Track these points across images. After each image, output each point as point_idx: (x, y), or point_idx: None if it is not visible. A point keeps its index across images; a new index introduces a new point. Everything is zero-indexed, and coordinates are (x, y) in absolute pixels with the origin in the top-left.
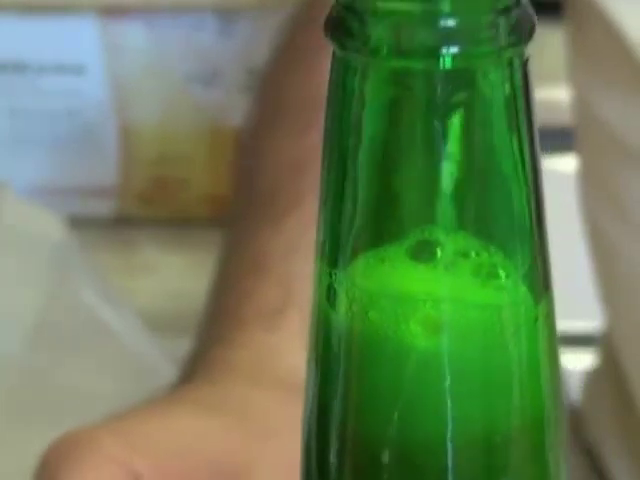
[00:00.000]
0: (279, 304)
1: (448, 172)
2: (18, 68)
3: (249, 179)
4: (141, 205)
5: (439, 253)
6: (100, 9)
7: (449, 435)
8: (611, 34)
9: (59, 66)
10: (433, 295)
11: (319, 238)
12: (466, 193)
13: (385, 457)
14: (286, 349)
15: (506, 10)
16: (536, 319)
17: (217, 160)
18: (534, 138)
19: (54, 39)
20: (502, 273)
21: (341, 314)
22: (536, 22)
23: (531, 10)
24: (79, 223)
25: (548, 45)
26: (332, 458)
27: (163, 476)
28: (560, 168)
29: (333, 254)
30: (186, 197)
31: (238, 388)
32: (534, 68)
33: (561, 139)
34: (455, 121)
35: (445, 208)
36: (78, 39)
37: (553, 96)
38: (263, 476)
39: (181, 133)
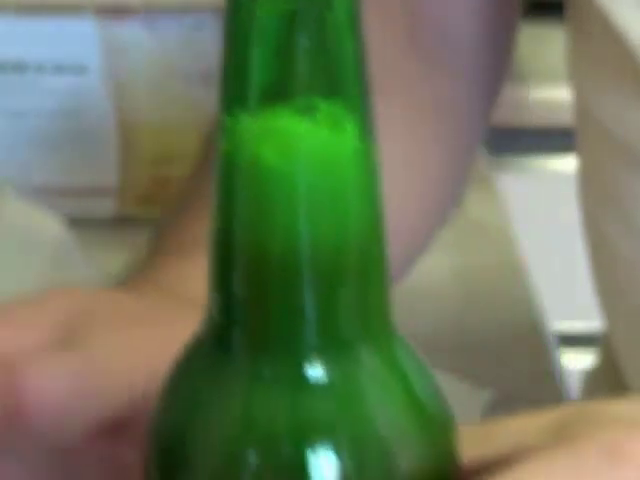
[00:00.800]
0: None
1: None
2: (18, 68)
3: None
4: (141, 205)
5: (295, 102)
6: (100, 9)
7: (299, 241)
8: (611, 36)
9: (59, 66)
10: (289, 131)
11: (224, 93)
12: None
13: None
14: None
15: None
16: (364, 155)
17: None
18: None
19: (54, 39)
20: (341, 121)
21: (231, 150)
22: None
23: None
24: (79, 223)
25: (549, 45)
26: (229, 257)
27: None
28: (560, 168)
29: (234, 107)
30: None
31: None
32: (535, 68)
33: (561, 139)
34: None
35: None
36: (78, 39)
37: (554, 96)
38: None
39: (181, 133)
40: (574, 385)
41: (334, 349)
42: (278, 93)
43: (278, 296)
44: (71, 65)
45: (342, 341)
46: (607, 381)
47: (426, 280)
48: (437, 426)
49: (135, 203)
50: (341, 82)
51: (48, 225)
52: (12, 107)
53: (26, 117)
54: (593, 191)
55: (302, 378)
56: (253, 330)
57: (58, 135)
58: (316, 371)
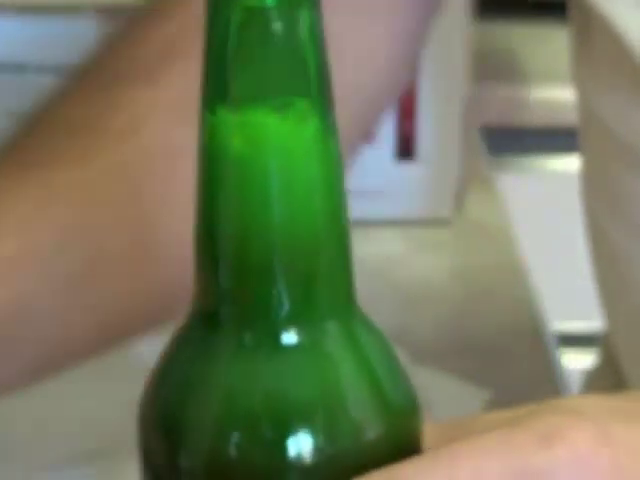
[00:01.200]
0: None
1: None
2: (18, 68)
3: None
4: None
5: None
6: (100, 10)
7: (269, 224)
8: (610, 35)
9: (59, 66)
10: (260, 124)
11: (204, 92)
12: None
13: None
14: None
15: None
16: (325, 146)
17: None
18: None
19: (54, 39)
20: (307, 116)
21: (209, 143)
22: None
23: None
24: None
25: (549, 45)
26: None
27: None
28: (560, 168)
29: (214, 104)
30: None
31: None
32: (535, 68)
33: (562, 139)
34: None
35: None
36: (78, 39)
37: (554, 96)
38: None
39: None
40: (574, 385)
41: (306, 321)
42: (254, 92)
43: (255, 274)
44: (71, 65)
45: (312, 314)
46: (607, 381)
47: (426, 280)
48: (392, 391)
49: None
50: (307, 83)
51: None
52: (12, 107)
53: (26, 117)
54: (595, 191)
55: (278, 344)
56: (236, 307)
57: None
58: (290, 338)
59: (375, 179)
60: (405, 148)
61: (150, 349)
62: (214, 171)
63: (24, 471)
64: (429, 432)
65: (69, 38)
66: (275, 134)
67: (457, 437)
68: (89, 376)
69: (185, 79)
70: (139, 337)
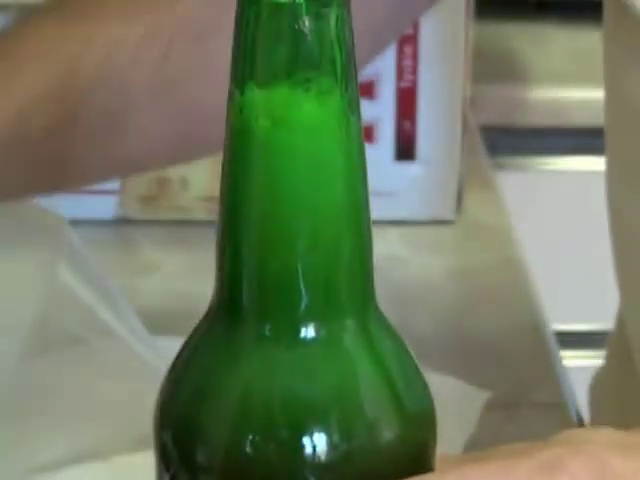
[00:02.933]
0: None
1: None
2: None
3: None
4: (141, 205)
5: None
6: None
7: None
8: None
9: None
10: (283, 98)
11: (234, 69)
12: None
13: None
14: None
15: None
16: (346, 119)
17: (217, 160)
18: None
19: None
20: (332, 93)
21: (236, 117)
22: None
23: None
24: (79, 223)
25: (549, 45)
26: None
27: None
28: (560, 168)
29: (243, 81)
30: (186, 197)
31: None
32: (535, 68)
33: (562, 139)
34: None
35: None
36: None
37: (554, 96)
38: None
39: None
40: (574, 385)
41: (327, 317)
42: (280, 70)
43: (277, 259)
44: None
45: (332, 310)
46: (615, 379)
47: (426, 280)
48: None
49: (135, 203)
50: (331, 61)
51: (51, 224)
52: None
53: None
54: (620, 182)
55: (298, 339)
56: (258, 300)
57: None
58: (309, 332)
59: (375, 179)
60: (405, 148)
61: (150, 351)
62: (239, 145)
63: (23, 472)
64: (442, 461)
65: None
66: (299, 109)
67: (468, 461)
68: (89, 376)
69: None
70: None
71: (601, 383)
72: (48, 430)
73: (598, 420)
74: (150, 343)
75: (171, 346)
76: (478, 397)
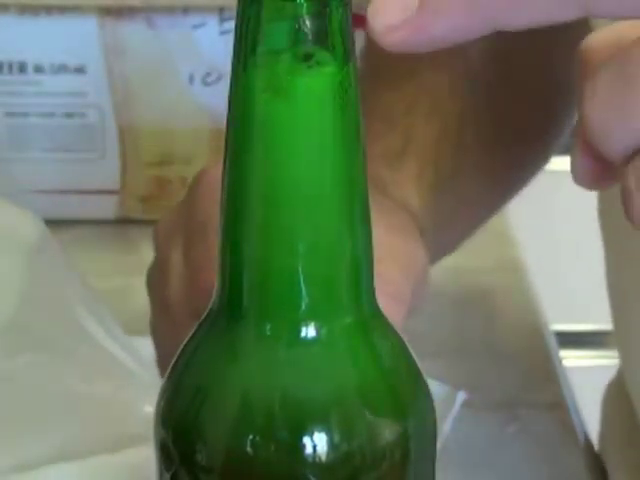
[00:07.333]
0: (400, 149)
1: None
2: (18, 68)
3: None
4: (141, 205)
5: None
6: (100, 9)
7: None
8: None
9: (59, 66)
10: (285, 71)
11: (238, 46)
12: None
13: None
14: (402, 185)
15: None
16: (344, 90)
17: (217, 160)
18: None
19: (54, 39)
20: (328, 63)
21: (240, 92)
22: None
23: None
24: (79, 223)
25: None
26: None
27: None
28: (560, 168)
29: (245, 57)
30: None
31: None
32: None
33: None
34: None
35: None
36: (78, 39)
37: None
38: None
39: (181, 133)
40: (575, 385)
41: (326, 316)
42: (281, 46)
43: (281, 252)
44: (71, 65)
45: (333, 310)
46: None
47: None
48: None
49: (135, 203)
50: (330, 35)
51: (27, 225)
52: (12, 107)
53: (26, 117)
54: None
55: (299, 338)
56: (258, 299)
57: (58, 135)
58: (309, 331)
59: None
60: None
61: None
62: (243, 120)
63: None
64: None
65: (70, 38)
66: (300, 81)
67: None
68: (66, 378)
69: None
70: None
71: (618, 382)
72: (25, 430)
73: (611, 419)
74: (126, 343)
75: (146, 346)
76: (452, 397)
